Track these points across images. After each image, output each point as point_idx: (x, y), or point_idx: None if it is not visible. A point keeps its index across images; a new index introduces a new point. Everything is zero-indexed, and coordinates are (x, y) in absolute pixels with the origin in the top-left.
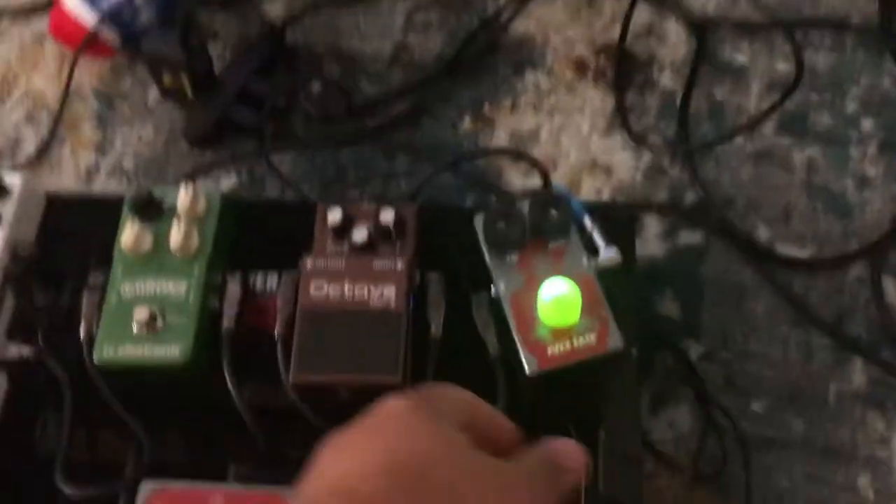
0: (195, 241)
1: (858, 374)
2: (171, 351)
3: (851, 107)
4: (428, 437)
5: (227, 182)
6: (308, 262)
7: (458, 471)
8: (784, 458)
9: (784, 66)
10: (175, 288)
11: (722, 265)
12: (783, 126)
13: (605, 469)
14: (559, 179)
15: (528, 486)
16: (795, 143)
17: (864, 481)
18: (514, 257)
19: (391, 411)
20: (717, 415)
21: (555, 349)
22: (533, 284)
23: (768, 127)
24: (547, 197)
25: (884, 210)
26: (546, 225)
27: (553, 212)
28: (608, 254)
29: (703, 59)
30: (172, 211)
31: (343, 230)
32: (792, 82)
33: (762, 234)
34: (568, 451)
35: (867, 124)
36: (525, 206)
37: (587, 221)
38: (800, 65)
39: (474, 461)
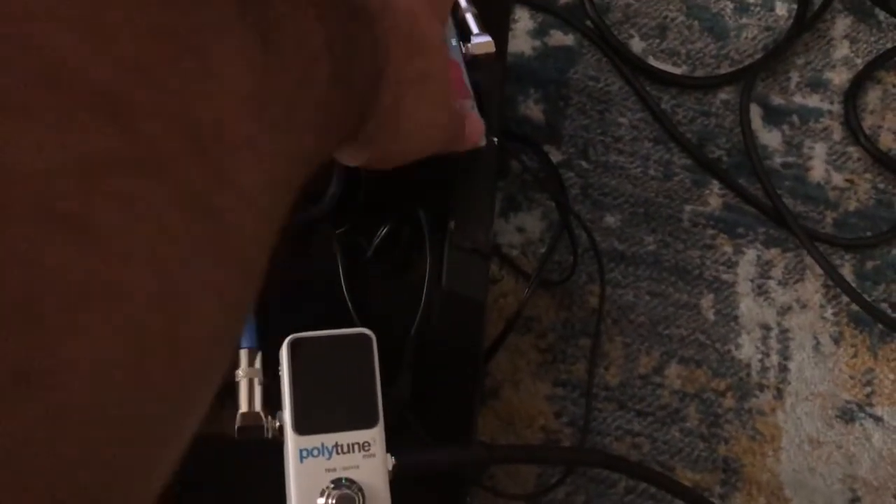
0: None
1: (714, 197)
2: None
3: None
4: None
5: None
6: None
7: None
8: (631, 273)
9: None
10: None
11: (591, 72)
12: None
13: (450, 261)
14: None
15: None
16: None
17: (706, 301)
18: None
19: None
20: (573, 223)
21: None
22: None
23: None
24: None
25: (758, 38)
26: None
27: None
28: (481, 40)
29: None
30: None
31: None
32: None
33: (636, 45)
34: (477, 125)
35: None
36: None
37: (462, 1)
38: None
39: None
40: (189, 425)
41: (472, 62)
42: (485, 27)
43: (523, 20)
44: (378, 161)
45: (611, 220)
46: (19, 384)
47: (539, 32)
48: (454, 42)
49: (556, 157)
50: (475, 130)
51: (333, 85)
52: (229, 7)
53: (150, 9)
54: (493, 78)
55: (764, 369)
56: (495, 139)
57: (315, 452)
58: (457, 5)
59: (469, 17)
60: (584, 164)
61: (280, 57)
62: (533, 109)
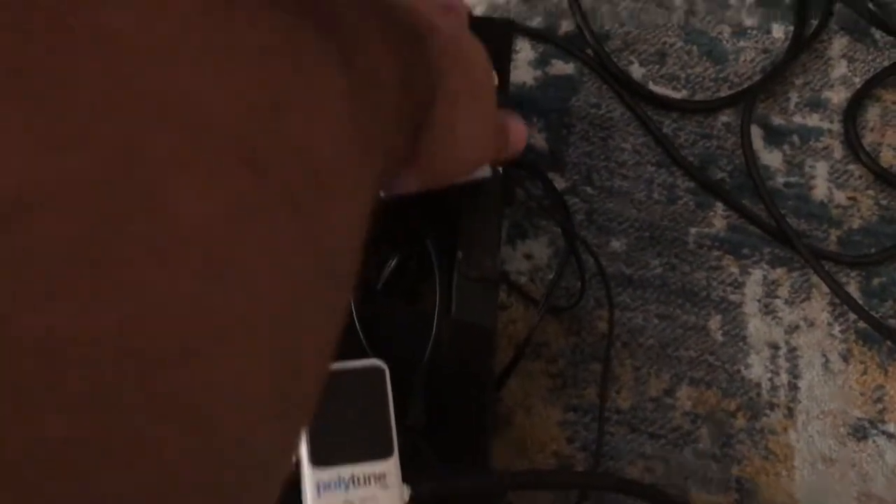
0: None
1: (718, 219)
2: None
3: None
4: None
5: None
6: None
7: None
8: (639, 297)
9: None
10: None
11: (593, 99)
12: None
13: (458, 290)
14: None
15: (497, 135)
16: None
17: (714, 322)
18: None
19: None
20: (579, 248)
21: None
22: None
23: None
24: None
25: (756, 60)
26: None
27: None
28: None
29: None
30: None
31: None
32: None
33: (636, 71)
34: (520, 129)
35: None
36: None
37: None
38: None
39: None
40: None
41: None
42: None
43: (524, 51)
44: (431, 180)
45: (617, 244)
46: (181, 417)
47: (540, 62)
48: None
49: (560, 183)
50: (519, 137)
51: (398, 107)
52: (319, 41)
53: (259, 52)
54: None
55: (774, 388)
56: (500, 168)
57: (332, 485)
58: None
59: None
60: (588, 189)
61: (360, 85)
62: (536, 138)
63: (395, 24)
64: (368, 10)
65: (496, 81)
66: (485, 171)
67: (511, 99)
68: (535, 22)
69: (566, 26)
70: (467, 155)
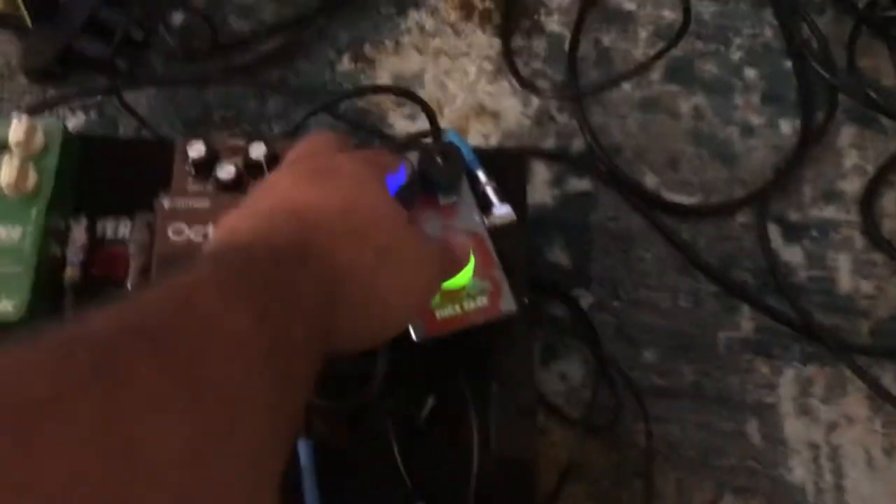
0: (32, 179)
1: (746, 321)
2: (2, 306)
3: (736, 56)
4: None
5: (74, 122)
6: (165, 202)
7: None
8: (675, 408)
9: (671, 14)
10: (8, 233)
11: (611, 213)
12: (670, 74)
13: (497, 423)
14: (445, 124)
15: (432, 261)
16: (682, 90)
17: (752, 427)
18: None
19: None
20: (610, 366)
21: (444, 313)
22: None
23: (655, 74)
24: (439, 150)
25: (767, 158)
26: (437, 180)
27: (445, 166)
28: (502, 211)
29: (590, 4)
30: (4, 145)
31: (206, 166)
32: (678, 30)
33: (650, 181)
34: (461, 245)
35: (751, 74)
36: (415, 158)
37: (481, 175)
38: (687, 12)
39: (409, 231)
40: None
41: (495, 230)
42: (503, 187)
43: (540, 172)
44: (369, 342)
45: (648, 355)
46: None
47: (556, 181)
48: (476, 216)
49: (587, 299)
50: (464, 252)
51: (286, 365)
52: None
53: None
54: (517, 240)
55: (819, 491)
56: (526, 299)
57: None
58: (476, 179)
59: (489, 190)
60: (615, 303)
61: (207, 410)
62: (559, 256)
63: (257, 286)
64: (227, 300)
65: (513, 219)
66: (511, 307)
67: (531, 219)
68: (548, 143)
69: (578, 144)
70: (400, 309)
